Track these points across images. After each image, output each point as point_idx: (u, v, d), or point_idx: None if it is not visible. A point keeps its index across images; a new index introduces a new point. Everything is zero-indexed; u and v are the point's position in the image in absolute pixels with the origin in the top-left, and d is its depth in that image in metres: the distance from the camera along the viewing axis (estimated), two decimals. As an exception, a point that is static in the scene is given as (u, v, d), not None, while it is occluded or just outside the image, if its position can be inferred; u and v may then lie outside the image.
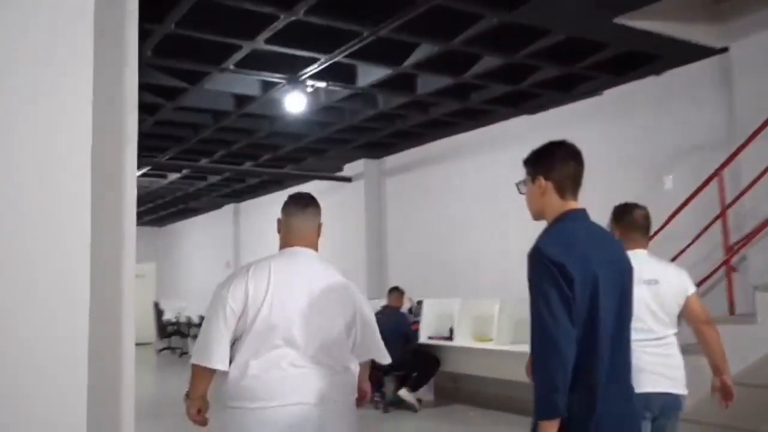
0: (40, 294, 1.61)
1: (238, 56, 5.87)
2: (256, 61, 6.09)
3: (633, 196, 3.54)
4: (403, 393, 7.41)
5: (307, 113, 7.58)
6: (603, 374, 2.02)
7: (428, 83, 7.02)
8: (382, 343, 2.67)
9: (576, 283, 2.01)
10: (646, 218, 3.22)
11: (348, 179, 10.76)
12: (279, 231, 2.66)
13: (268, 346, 2.41)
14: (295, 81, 6.55)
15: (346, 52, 5.87)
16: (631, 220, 3.17)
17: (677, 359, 3.06)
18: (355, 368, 2.60)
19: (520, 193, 2.32)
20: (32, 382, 1.59)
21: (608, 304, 2.08)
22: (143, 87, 6.41)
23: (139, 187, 11.44)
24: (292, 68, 6.31)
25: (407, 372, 7.53)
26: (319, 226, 2.67)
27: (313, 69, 6.27)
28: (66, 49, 1.68)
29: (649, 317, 2.99)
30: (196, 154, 9.92)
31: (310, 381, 2.42)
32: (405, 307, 8.15)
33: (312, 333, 2.45)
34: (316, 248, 2.64)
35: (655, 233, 4.91)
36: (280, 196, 3.28)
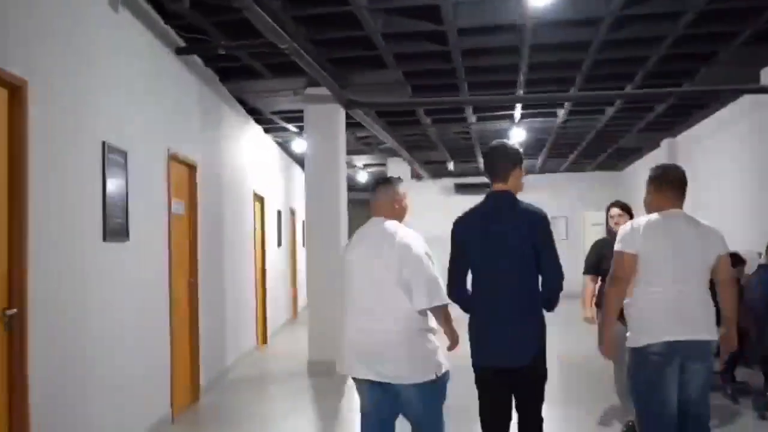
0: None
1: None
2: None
3: None
4: None
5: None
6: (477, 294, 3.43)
7: None
8: (421, 289, 3.33)
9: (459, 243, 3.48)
10: (680, 179, 3.48)
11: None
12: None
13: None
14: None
15: None
16: (664, 180, 3.48)
17: (702, 309, 3.34)
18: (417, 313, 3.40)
19: None
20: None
21: (481, 257, 3.40)
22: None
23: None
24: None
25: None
26: (394, 200, 3.63)
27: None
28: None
29: (668, 272, 3.32)
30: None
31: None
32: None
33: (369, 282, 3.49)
34: (392, 218, 3.58)
35: None
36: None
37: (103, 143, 4.63)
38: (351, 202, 20.23)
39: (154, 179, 5.66)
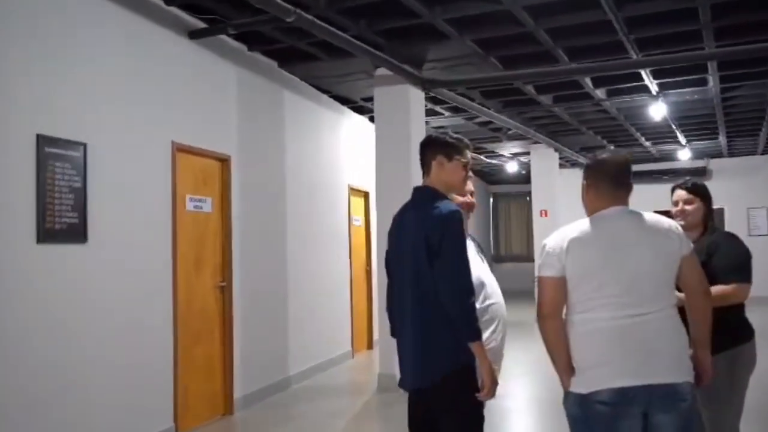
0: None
1: None
2: None
3: None
4: None
5: None
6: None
7: None
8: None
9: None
10: (620, 169, 2.75)
11: None
12: None
13: None
14: None
15: None
16: (599, 172, 2.75)
17: (667, 339, 2.56)
18: None
19: None
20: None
21: (396, 267, 3.09)
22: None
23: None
24: None
25: None
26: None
27: None
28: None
29: (611, 292, 2.56)
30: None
31: None
32: None
33: None
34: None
35: None
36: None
37: (38, 136, 4.29)
38: (498, 196, 19.49)
39: (146, 174, 5.29)
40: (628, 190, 2.75)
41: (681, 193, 3.60)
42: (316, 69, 7.68)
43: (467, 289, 2.78)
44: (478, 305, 2.90)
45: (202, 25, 5.97)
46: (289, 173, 7.53)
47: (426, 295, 2.86)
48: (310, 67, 7.57)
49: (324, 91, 8.61)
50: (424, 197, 3.01)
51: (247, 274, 6.57)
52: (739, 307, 3.37)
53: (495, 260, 19.19)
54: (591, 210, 2.77)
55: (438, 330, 2.84)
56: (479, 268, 3.13)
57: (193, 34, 5.91)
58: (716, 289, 3.17)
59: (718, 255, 3.31)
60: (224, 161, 6.32)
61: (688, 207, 3.54)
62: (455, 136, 3.11)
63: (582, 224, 2.70)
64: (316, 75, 7.98)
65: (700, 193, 3.58)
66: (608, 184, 2.72)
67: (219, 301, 6.20)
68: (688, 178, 3.81)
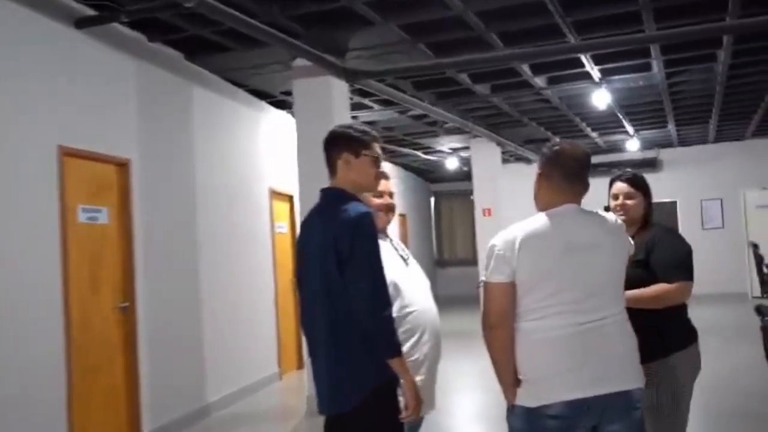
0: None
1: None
2: None
3: None
4: None
5: None
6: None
7: None
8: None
9: None
10: (579, 162, 2.73)
11: None
12: None
13: None
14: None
15: None
16: (556, 164, 2.72)
17: (622, 344, 2.63)
18: None
19: None
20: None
21: (305, 279, 2.95)
22: None
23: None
24: None
25: None
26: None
27: None
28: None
29: (563, 297, 2.56)
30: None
31: None
32: None
33: None
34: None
35: None
36: None
37: None
38: (440, 195, 19.46)
39: (27, 183, 5.02)
40: (584, 187, 2.74)
41: (621, 186, 3.56)
42: (228, 61, 7.50)
43: (382, 298, 2.70)
44: (394, 314, 2.82)
45: (90, 12, 5.71)
46: (200, 177, 7.31)
47: (337, 309, 2.76)
48: (221, 58, 7.38)
49: (239, 86, 8.43)
50: (331, 200, 2.90)
51: (154, 292, 6.32)
52: (682, 308, 3.36)
53: (439, 265, 19.23)
54: (543, 205, 2.74)
55: (352, 347, 2.74)
56: (396, 271, 3.07)
57: (81, 23, 5.64)
58: (657, 288, 3.19)
59: (658, 252, 3.30)
60: (123, 166, 6.07)
61: (629, 201, 3.51)
62: (360, 128, 3.00)
63: (534, 222, 2.66)
64: (229, 67, 7.80)
65: (642, 186, 3.56)
66: (563, 178, 2.69)
67: (121, 325, 5.95)
68: (627, 169, 3.77)
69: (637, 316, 2.79)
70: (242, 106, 8.53)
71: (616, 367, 2.58)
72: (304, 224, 3.06)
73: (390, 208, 3.38)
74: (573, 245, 2.60)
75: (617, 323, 2.63)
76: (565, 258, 2.58)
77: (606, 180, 3.72)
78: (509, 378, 2.63)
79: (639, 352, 2.69)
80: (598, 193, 3.65)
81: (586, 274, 2.59)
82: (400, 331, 2.89)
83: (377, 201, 3.27)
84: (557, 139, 2.86)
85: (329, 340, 2.79)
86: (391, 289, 2.87)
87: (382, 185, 3.27)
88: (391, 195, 3.40)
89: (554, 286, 2.57)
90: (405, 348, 2.89)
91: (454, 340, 6.64)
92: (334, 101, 7.13)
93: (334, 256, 2.73)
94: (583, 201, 2.76)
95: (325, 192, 2.98)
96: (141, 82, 6.43)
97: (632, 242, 2.86)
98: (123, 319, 5.96)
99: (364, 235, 2.72)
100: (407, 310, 3.05)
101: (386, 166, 15.80)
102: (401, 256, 3.30)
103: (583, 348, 2.55)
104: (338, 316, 2.77)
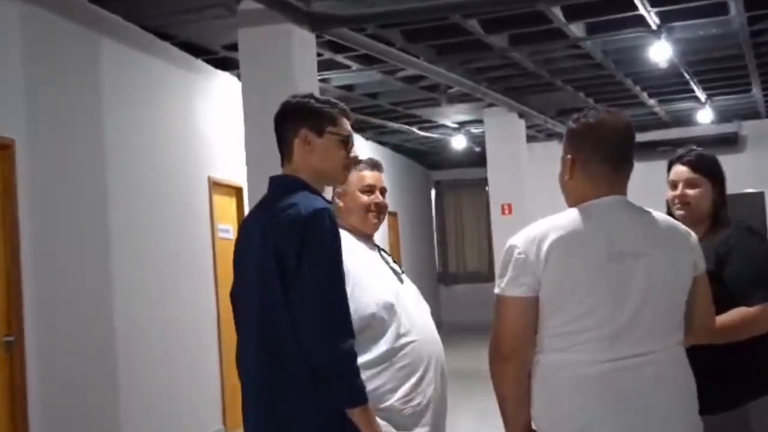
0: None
1: None
2: None
3: None
4: None
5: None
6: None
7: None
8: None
9: None
10: (625, 137, 2.78)
11: None
12: None
13: None
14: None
15: None
16: (595, 141, 2.74)
17: (672, 390, 2.67)
18: None
19: None
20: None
21: (240, 302, 3.04)
22: None
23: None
24: None
25: None
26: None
27: None
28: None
29: (603, 324, 2.60)
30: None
31: None
32: None
33: None
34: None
35: None
36: None
37: None
38: (443, 186, 19.53)
39: None
40: (628, 171, 2.79)
41: (681, 171, 3.62)
42: (148, 4, 7.51)
43: (340, 326, 2.70)
44: (385, 345, 2.91)
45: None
46: (112, 165, 7.33)
47: (276, 341, 2.77)
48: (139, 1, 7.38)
49: (166, 37, 8.46)
50: (279, 192, 2.92)
51: (48, 321, 6.36)
52: (760, 340, 3.38)
53: (442, 281, 19.35)
54: (575, 198, 2.78)
55: (295, 393, 2.75)
56: (389, 289, 3.15)
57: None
58: (735, 314, 3.22)
59: (734, 261, 3.33)
60: (3, 150, 6.06)
61: (690, 191, 3.57)
62: (323, 98, 3.04)
63: (567, 219, 2.71)
64: (150, 13, 7.86)
65: (710, 171, 3.61)
66: (603, 160, 2.72)
67: (4, 364, 5.98)
68: (693, 148, 3.80)
69: (696, 350, 2.83)
70: (170, 66, 8.62)
71: (660, 422, 2.61)
72: (242, 225, 3.10)
73: (381, 209, 3.45)
74: (616, 252, 2.63)
75: (665, 362, 2.66)
76: (606, 269, 2.62)
77: (664, 165, 3.74)
78: (520, 421, 2.70)
79: (698, 401, 2.72)
80: (659, 182, 3.69)
81: (631, 293, 2.61)
82: (397, 367, 2.96)
83: (365, 199, 3.36)
84: (596, 109, 2.83)
85: (264, 384, 2.82)
86: (383, 312, 2.94)
87: (373, 178, 3.39)
88: (383, 191, 3.47)
89: (587, 306, 2.61)
90: (403, 389, 2.97)
91: (461, 383, 6.65)
92: (295, 58, 7.21)
93: (275, 267, 2.73)
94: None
95: (274, 181, 3.00)
96: (27, 34, 6.44)
97: (702, 256, 2.88)
98: (6, 358, 5.98)
99: (318, 239, 2.71)
100: (406, 339, 3.09)
101: (370, 149, 15.98)
102: (393, 270, 3.36)
103: (618, 393, 2.59)
104: (276, 353, 2.77)
